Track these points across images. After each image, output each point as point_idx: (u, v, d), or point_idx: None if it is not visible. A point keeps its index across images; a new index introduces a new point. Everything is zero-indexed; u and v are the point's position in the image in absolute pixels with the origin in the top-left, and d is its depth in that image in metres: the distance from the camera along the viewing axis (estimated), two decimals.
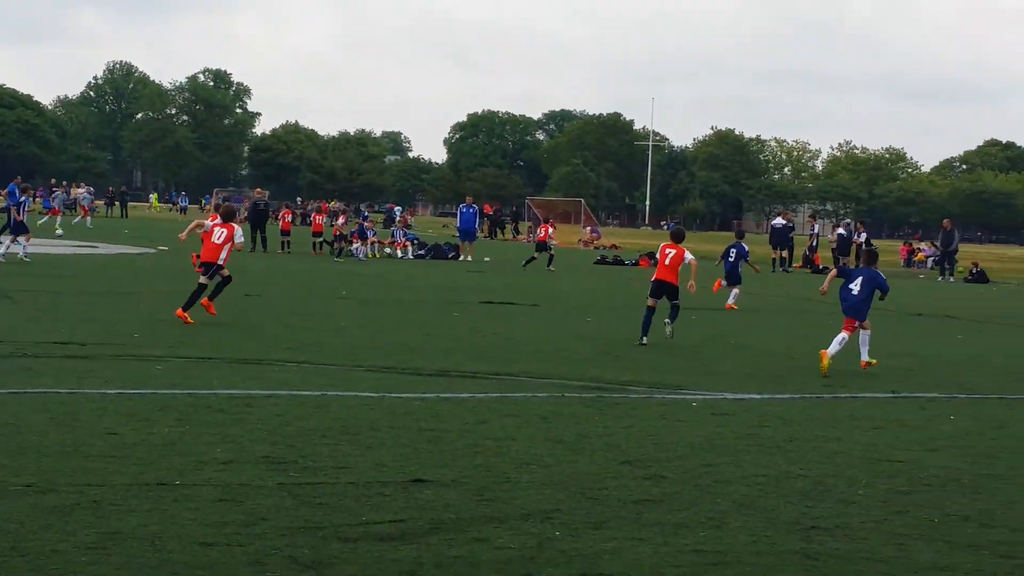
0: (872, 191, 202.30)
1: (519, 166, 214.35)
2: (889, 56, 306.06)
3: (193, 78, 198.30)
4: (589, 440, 10.77)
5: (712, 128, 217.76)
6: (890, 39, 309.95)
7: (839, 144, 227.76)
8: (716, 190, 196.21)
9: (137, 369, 13.80)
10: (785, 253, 51.99)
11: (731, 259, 27.56)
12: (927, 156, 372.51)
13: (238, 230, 20.38)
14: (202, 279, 19.48)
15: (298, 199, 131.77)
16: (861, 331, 16.98)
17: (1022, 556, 7.52)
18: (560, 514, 8.15)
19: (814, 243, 56.50)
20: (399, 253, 47.38)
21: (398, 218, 68.62)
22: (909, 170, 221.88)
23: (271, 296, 24.83)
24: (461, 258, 47.58)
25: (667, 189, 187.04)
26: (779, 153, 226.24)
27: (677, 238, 20.03)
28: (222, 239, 20.01)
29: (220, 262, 19.70)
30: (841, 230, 54.83)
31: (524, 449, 10.22)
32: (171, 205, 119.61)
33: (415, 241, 50.79)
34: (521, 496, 8.62)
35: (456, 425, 11.21)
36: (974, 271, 50.92)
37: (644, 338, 18.74)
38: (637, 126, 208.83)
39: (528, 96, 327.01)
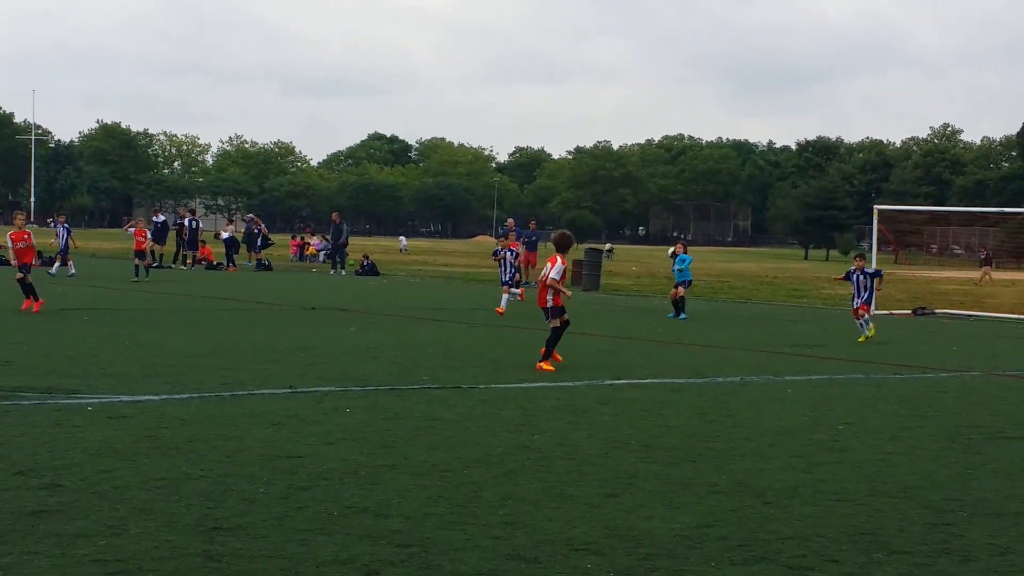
0: (263, 185, 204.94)
1: None
2: (280, 50, 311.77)
3: None
4: None
5: (98, 122, 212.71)
6: (283, 32, 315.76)
7: (230, 138, 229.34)
8: (105, 185, 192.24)
9: None
10: (161, 248, 52.25)
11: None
12: (315, 150, 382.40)
13: (558, 263, 18.45)
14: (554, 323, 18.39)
15: None
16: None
17: (416, 544, 7.79)
18: None
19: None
20: None
21: None
22: (299, 164, 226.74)
23: None
24: None
25: (53, 185, 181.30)
26: (169, 147, 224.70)
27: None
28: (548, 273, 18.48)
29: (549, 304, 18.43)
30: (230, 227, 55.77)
31: None
32: None
33: None
34: None
35: None
36: (365, 264, 52.66)
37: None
38: (18, 119, 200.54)
39: None
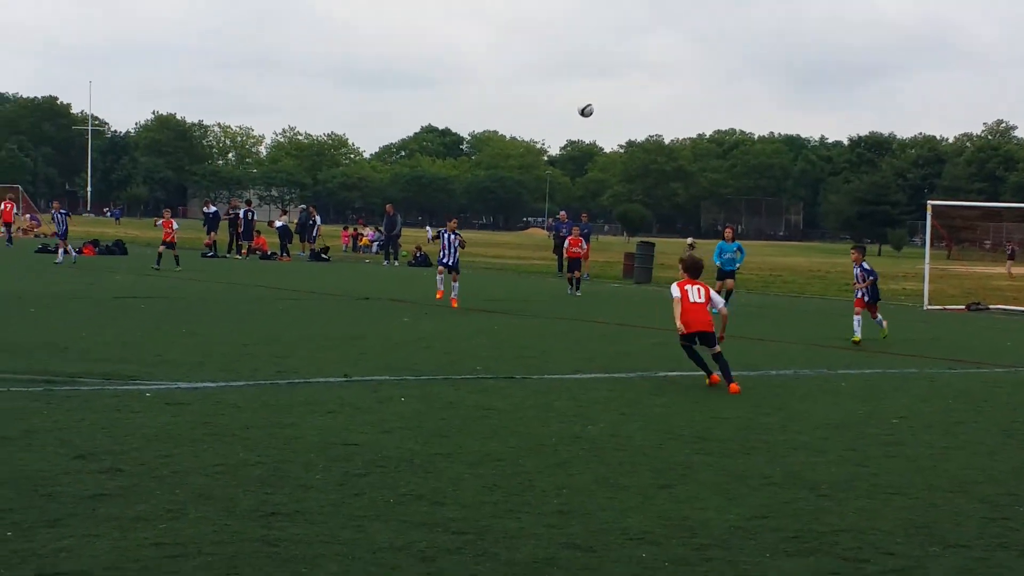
0: (316, 176, 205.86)
1: None
2: (334, 42, 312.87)
3: None
4: (39, 435, 10.35)
5: (154, 113, 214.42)
6: (338, 24, 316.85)
7: (283, 130, 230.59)
8: (160, 176, 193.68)
9: None
10: (213, 238, 52.99)
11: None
12: (368, 142, 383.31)
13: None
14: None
15: None
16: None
17: (472, 531, 7.83)
18: (12, 514, 7.79)
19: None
20: None
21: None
22: (351, 156, 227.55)
23: None
24: None
25: (110, 175, 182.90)
26: (223, 139, 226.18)
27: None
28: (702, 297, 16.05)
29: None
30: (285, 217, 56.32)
31: None
32: None
33: None
34: None
35: None
36: (418, 255, 52.81)
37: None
38: (75, 110, 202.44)
39: None
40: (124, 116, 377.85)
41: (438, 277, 28.64)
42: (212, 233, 53.05)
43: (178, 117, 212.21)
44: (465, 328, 22.57)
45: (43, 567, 6.76)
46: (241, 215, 54.35)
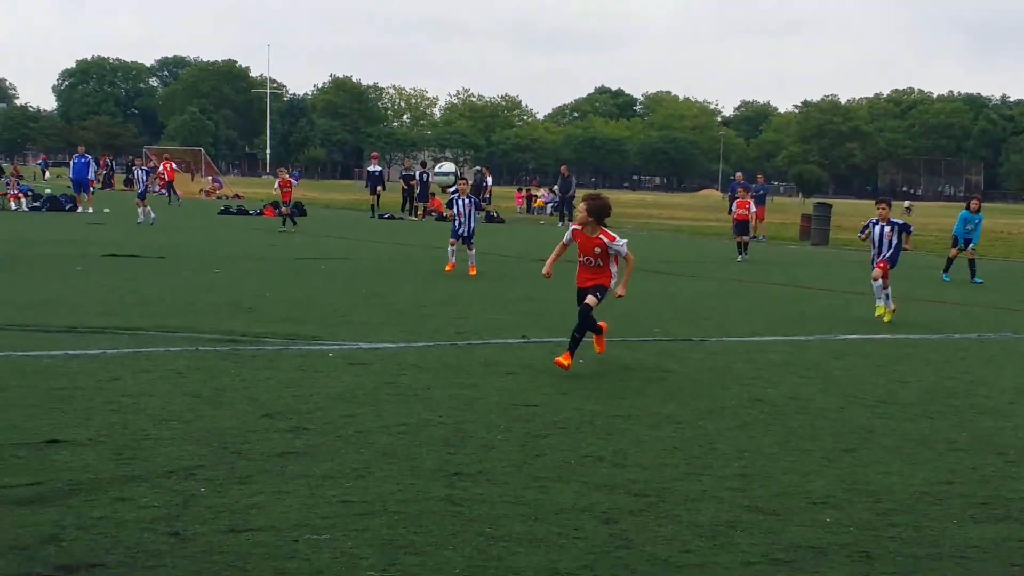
0: (489, 138, 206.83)
1: (133, 114, 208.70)
2: (509, 3, 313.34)
3: None
4: (227, 394, 10.63)
5: (331, 76, 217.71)
6: None
7: (457, 92, 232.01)
8: (336, 138, 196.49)
9: None
10: (373, 199, 54.30)
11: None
12: (541, 103, 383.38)
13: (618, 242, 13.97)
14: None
15: None
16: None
17: (654, 493, 7.85)
18: (203, 470, 8.01)
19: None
20: (12, 205, 45.49)
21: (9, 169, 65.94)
22: (525, 117, 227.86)
23: None
24: (79, 210, 46.04)
25: (288, 137, 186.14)
26: (398, 101, 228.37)
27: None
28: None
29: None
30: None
31: (162, 405, 10.00)
32: None
33: (29, 193, 48.94)
34: (162, 453, 8.42)
35: (89, 382, 10.84)
36: None
37: None
38: (254, 73, 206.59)
39: (140, 41, 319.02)
40: (301, 79, 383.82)
41: (449, 249, 25.07)
42: (372, 194, 53.93)
43: (354, 79, 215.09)
44: (642, 290, 22.51)
45: (235, 522, 6.94)
46: (416, 176, 54.92)
